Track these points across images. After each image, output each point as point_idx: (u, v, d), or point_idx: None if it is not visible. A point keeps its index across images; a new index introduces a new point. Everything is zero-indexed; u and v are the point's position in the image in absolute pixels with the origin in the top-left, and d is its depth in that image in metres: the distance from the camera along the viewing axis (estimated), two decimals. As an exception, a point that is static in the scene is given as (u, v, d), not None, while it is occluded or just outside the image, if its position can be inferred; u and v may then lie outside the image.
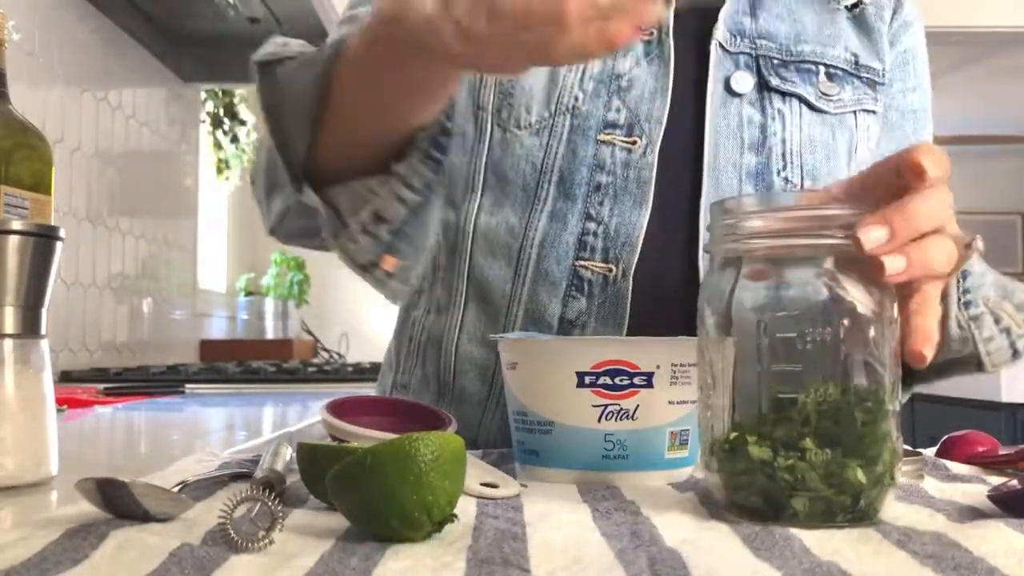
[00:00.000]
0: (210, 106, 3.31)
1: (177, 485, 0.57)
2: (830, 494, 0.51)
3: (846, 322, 0.53)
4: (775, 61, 0.92)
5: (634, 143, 0.88)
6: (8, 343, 0.66)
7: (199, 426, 1.29)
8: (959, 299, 0.75)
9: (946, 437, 0.78)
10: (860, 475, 0.51)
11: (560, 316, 0.87)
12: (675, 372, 0.68)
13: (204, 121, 3.25)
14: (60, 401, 0.88)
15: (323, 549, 0.46)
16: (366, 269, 0.78)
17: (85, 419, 1.26)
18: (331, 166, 0.76)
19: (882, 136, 0.98)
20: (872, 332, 0.54)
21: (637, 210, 0.88)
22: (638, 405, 0.67)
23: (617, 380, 0.67)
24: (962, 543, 0.46)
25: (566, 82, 0.91)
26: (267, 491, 0.48)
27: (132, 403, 1.50)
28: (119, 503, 0.51)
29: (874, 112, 0.96)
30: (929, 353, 0.57)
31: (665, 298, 0.88)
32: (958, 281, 0.74)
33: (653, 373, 0.68)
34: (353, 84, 0.71)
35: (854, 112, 0.94)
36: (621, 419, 0.67)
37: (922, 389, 0.84)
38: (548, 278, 0.88)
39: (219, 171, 3.43)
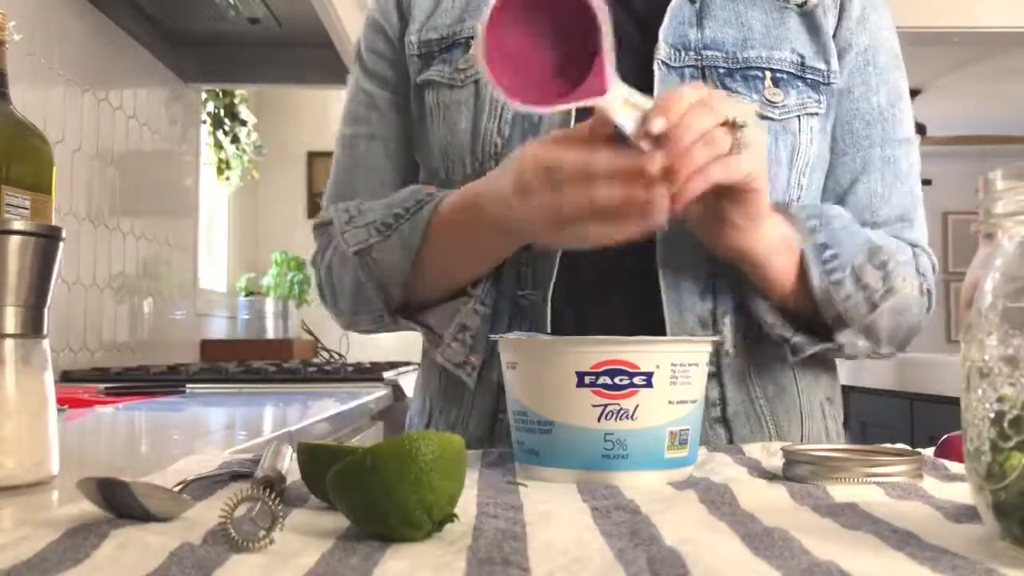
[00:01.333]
0: (210, 106, 3.31)
1: (177, 485, 0.57)
2: None
3: None
4: (721, 71, 0.93)
5: None
6: (9, 343, 0.66)
7: (199, 426, 1.29)
8: (821, 266, 0.86)
9: (945, 437, 0.79)
10: None
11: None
12: (675, 372, 0.69)
13: (204, 121, 3.25)
14: (61, 401, 0.88)
15: (323, 549, 0.46)
16: (459, 367, 0.95)
17: (86, 419, 1.26)
18: (417, 299, 0.95)
19: (848, 146, 0.99)
20: None
21: None
22: (638, 405, 0.67)
23: (617, 380, 0.67)
24: (961, 543, 0.47)
25: (487, 131, 0.93)
26: (267, 491, 0.49)
27: (133, 403, 1.50)
28: (120, 503, 0.51)
29: (818, 114, 0.96)
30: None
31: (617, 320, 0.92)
32: (819, 249, 0.86)
33: (653, 373, 0.68)
34: (439, 255, 0.91)
35: (798, 116, 0.94)
36: (621, 419, 0.67)
37: (831, 348, 0.91)
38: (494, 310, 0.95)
39: (219, 171, 3.43)
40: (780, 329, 0.90)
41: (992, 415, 0.45)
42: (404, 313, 0.96)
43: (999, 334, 0.45)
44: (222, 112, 3.38)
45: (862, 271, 0.87)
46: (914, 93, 5.89)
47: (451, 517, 0.49)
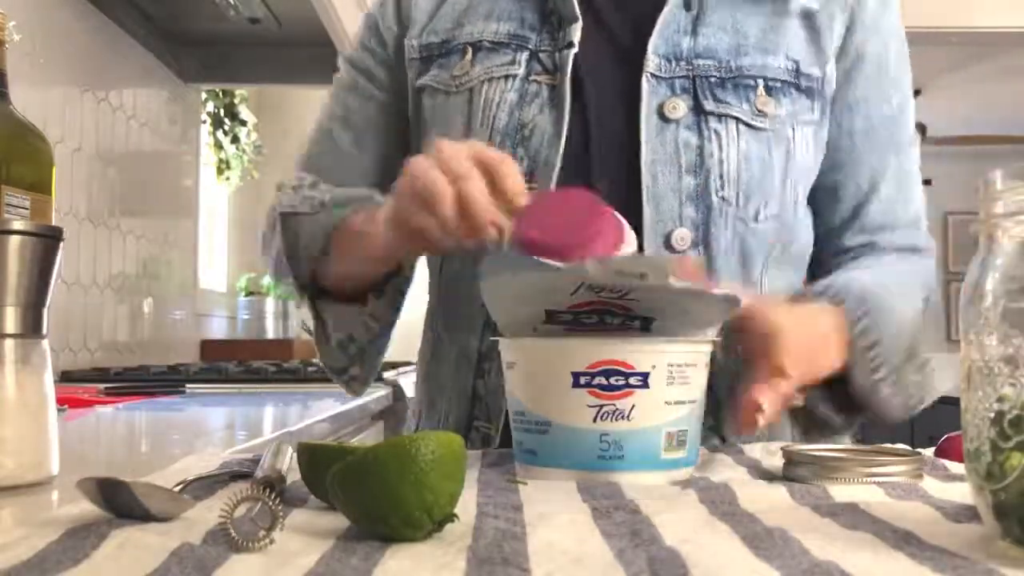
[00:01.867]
0: (210, 106, 3.31)
1: (177, 485, 0.57)
2: None
3: None
4: (712, 80, 0.92)
5: (534, 188, 0.90)
6: (9, 343, 0.66)
7: (199, 426, 1.29)
8: (865, 370, 0.85)
9: (945, 437, 0.78)
10: None
11: (478, 350, 0.95)
12: (672, 372, 0.68)
13: (204, 121, 3.25)
14: (61, 401, 0.88)
15: (323, 549, 0.46)
16: (337, 373, 0.99)
17: (86, 419, 1.26)
18: (327, 282, 0.96)
19: (865, 153, 0.99)
20: None
21: None
22: (633, 405, 0.67)
23: (612, 380, 0.67)
24: (961, 543, 0.47)
25: (478, 140, 0.92)
26: (267, 491, 0.49)
27: (132, 403, 1.50)
28: (120, 503, 0.51)
29: (811, 123, 0.95)
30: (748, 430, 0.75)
31: None
32: (861, 354, 0.85)
33: (649, 373, 0.68)
34: (344, 247, 0.92)
35: (791, 126, 0.94)
36: (616, 419, 0.67)
37: (843, 422, 0.90)
38: (466, 314, 0.96)
39: (219, 171, 3.43)
40: (823, 408, 0.89)
41: (992, 415, 0.45)
42: (312, 295, 0.97)
43: (999, 334, 0.45)
44: (222, 112, 3.38)
45: (902, 373, 0.87)
46: (914, 93, 5.89)
47: (451, 517, 0.49)
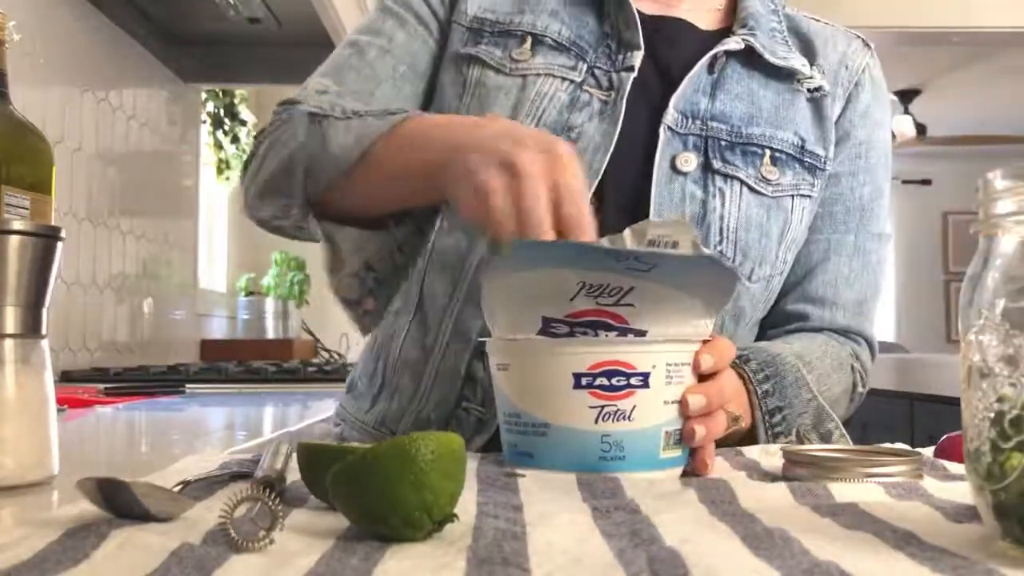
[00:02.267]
0: (210, 106, 3.31)
1: (177, 485, 0.57)
2: None
3: None
4: (723, 143, 0.96)
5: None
6: (9, 343, 0.66)
7: (199, 426, 1.29)
8: (767, 429, 0.86)
9: (944, 437, 0.78)
10: None
11: (480, 333, 0.92)
12: (670, 372, 0.69)
13: (204, 121, 3.25)
14: (60, 401, 0.88)
15: (323, 549, 0.46)
16: (349, 304, 0.92)
17: (85, 419, 1.26)
18: (340, 205, 0.89)
19: (824, 226, 1.03)
20: None
21: None
22: (635, 405, 0.67)
23: (614, 381, 0.67)
24: (961, 543, 0.47)
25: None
26: (267, 491, 0.49)
27: (132, 403, 1.50)
28: (119, 503, 0.51)
29: (810, 196, 1.00)
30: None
31: None
32: (765, 418, 0.86)
33: (649, 373, 0.68)
34: (382, 166, 0.85)
35: (791, 196, 0.98)
36: (618, 420, 0.67)
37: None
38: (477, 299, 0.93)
39: (219, 171, 3.43)
40: None
41: (992, 415, 0.45)
42: (316, 212, 0.90)
43: (999, 334, 0.45)
44: (222, 112, 3.38)
45: (807, 436, 0.89)
46: (914, 93, 5.90)
47: (451, 517, 0.49)
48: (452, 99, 0.99)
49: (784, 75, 1.00)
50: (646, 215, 0.93)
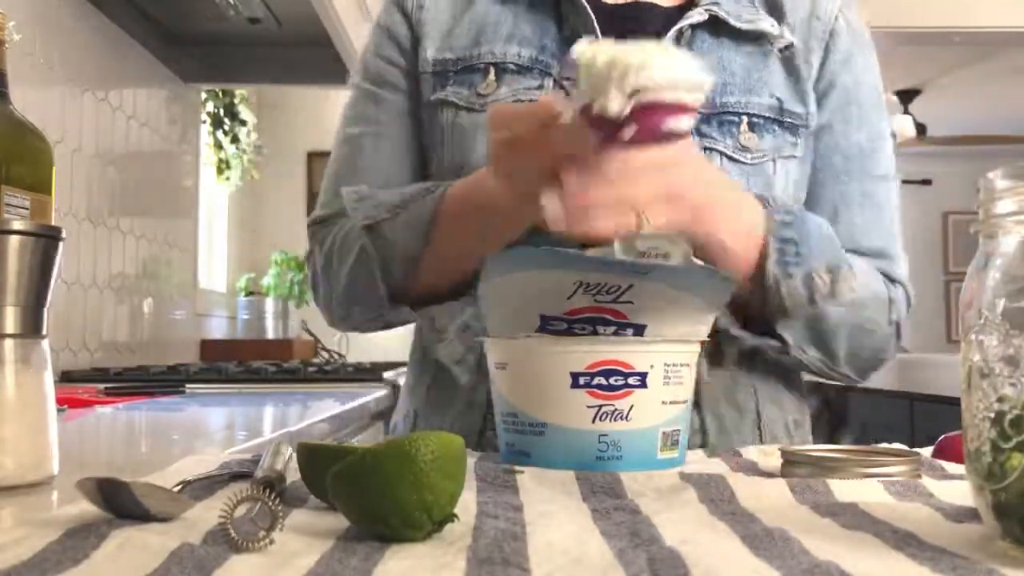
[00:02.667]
0: (210, 106, 3.31)
1: (177, 485, 0.57)
2: None
3: None
4: (698, 117, 0.93)
5: None
6: (9, 343, 0.66)
7: (199, 426, 1.29)
8: (777, 260, 0.87)
9: (942, 437, 0.78)
10: None
11: None
12: (668, 372, 0.69)
13: (204, 121, 3.25)
14: (60, 401, 0.88)
15: (323, 549, 0.46)
16: (457, 364, 0.94)
17: (85, 419, 1.26)
18: (420, 290, 0.95)
19: (827, 180, 1.00)
20: None
21: None
22: (632, 405, 0.67)
23: (612, 380, 0.67)
24: (961, 543, 0.47)
25: None
26: (267, 491, 0.49)
27: (132, 403, 1.50)
28: (119, 503, 0.51)
29: (795, 157, 0.98)
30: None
31: None
32: (777, 245, 0.86)
33: (647, 373, 0.68)
34: (447, 238, 0.91)
35: (772, 160, 0.96)
36: (615, 419, 0.67)
37: (779, 349, 0.91)
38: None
39: (219, 171, 3.43)
40: (722, 319, 0.89)
41: (992, 415, 0.45)
42: (405, 303, 0.95)
43: (999, 334, 0.45)
44: (222, 112, 3.38)
45: (816, 272, 0.88)
46: (914, 93, 5.90)
47: (451, 517, 0.49)
48: (435, 146, 1.00)
49: (753, 38, 0.98)
50: None
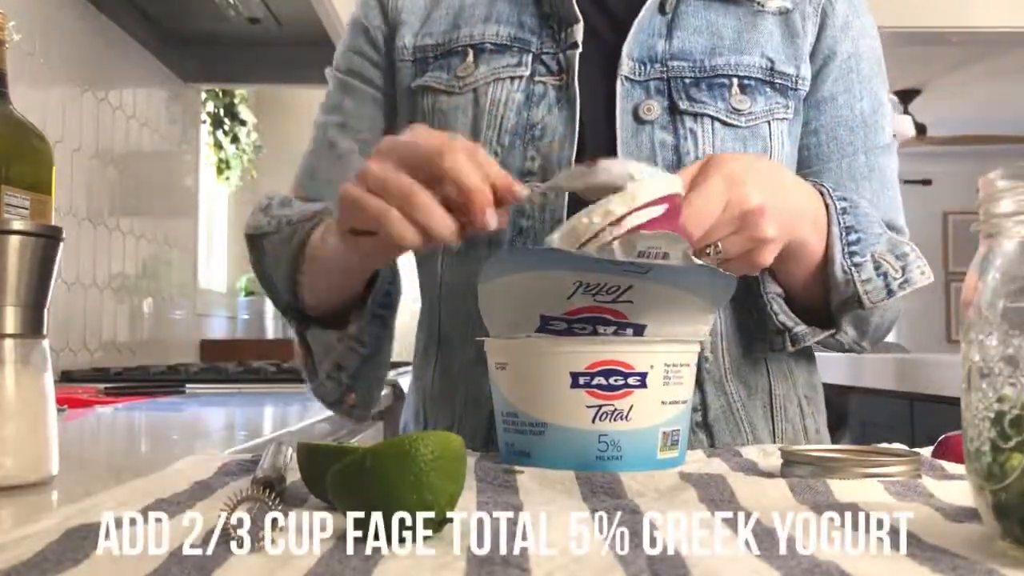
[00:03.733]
0: (210, 106, 3.31)
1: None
2: None
3: None
4: (687, 80, 0.93)
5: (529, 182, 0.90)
6: (9, 343, 0.66)
7: (199, 426, 1.29)
8: (843, 248, 0.86)
9: (942, 437, 0.78)
10: None
11: None
12: (668, 372, 0.69)
13: (204, 121, 3.25)
14: (60, 401, 0.88)
15: (323, 549, 0.46)
16: (333, 406, 0.96)
17: (85, 419, 1.26)
18: (311, 305, 0.94)
19: (832, 153, 0.99)
20: None
21: None
22: (632, 405, 0.67)
23: (612, 380, 0.67)
24: (960, 544, 0.47)
25: (487, 140, 0.94)
26: (267, 491, 0.49)
27: (132, 403, 1.50)
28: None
29: (787, 119, 0.96)
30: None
31: None
32: (843, 234, 0.86)
33: (647, 373, 0.68)
34: (313, 264, 0.90)
35: (767, 121, 0.95)
36: (615, 420, 0.67)
37: (826, 337, 0.91)
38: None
39: (219, 171, 3.43)
40: (783, 317, 0.89)
41: (992, 415, 0.45)
42: (296, 318, 0.96)
43: (999, 334, 0.45)
44: (222, 112, 3.37)
45: (882, 258, 0.87)
46: (914, 93, 5.89)
47: (451, 517, 0.49)
48: None
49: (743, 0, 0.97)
50: None
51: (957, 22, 3.67)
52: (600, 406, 0.67)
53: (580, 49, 0.94)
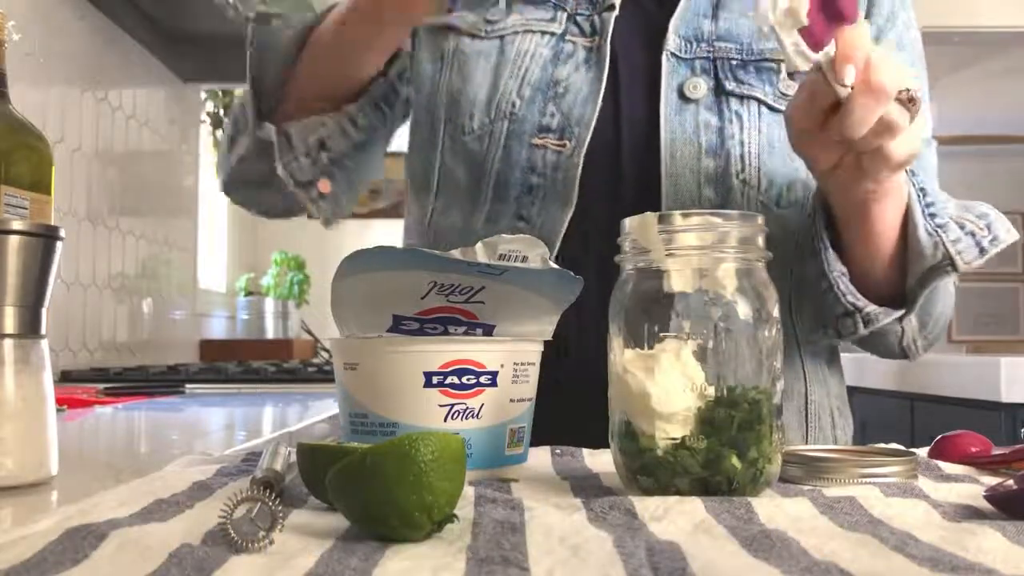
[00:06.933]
0: (210, 106, 3.31)
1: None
2: (705, 476, 0.60)
3: (727, 326, 0.59)
4: (734, 63, 0.92)
5: (563, 145, 0.89)
6: (8, 343, 0.66)
7: (199, 426, 1.29)
8: (923, 211, 0.82)
9: (939, 437, 0.78)
10: (735, 462, 0.59)
11: None
12: (516, 371, 0.69)
13: (204, 121, 3.24)
14: (60, 401, 0.88)
15: (323, 549, 0.46)
16: (303, 187, 0.91)
17: (85, 419, 1.26)
18: (292, 112, 0.90)
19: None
20: (751, 336, 0.60)
21: (560, 209, 0.90)
22: (483, 404, 0.68)
23: (464, 379, 0.68)
24: (960, 544, 0.47)
25: (507, 89, 0.92)
26: (267, 491, 0.49)
27: (132, 403, 1.50)
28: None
29: None
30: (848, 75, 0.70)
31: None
32: (920, 196, 0.83)
33: (498, 372, 0.68)
34: (324, 38, 0.89)
35: None
36: (467, 418, 0.68)
37: (913, 312, 0.88)
38: None
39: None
40: (851, 297, 0.86)
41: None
42: (271, 119, 0.94)
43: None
44: (222, 112, 3.37)
45: (963, 219, 0.84)
46: (914, 93, 5.89)
47: (451, 518, 0.49)
48: (432, 73, 0.97)
49: None
50: (659, 152, 0.89)
51: (957, 22, 3.67)
52: (452, 405, 0.67)
53: (616, 12, 0.92)
